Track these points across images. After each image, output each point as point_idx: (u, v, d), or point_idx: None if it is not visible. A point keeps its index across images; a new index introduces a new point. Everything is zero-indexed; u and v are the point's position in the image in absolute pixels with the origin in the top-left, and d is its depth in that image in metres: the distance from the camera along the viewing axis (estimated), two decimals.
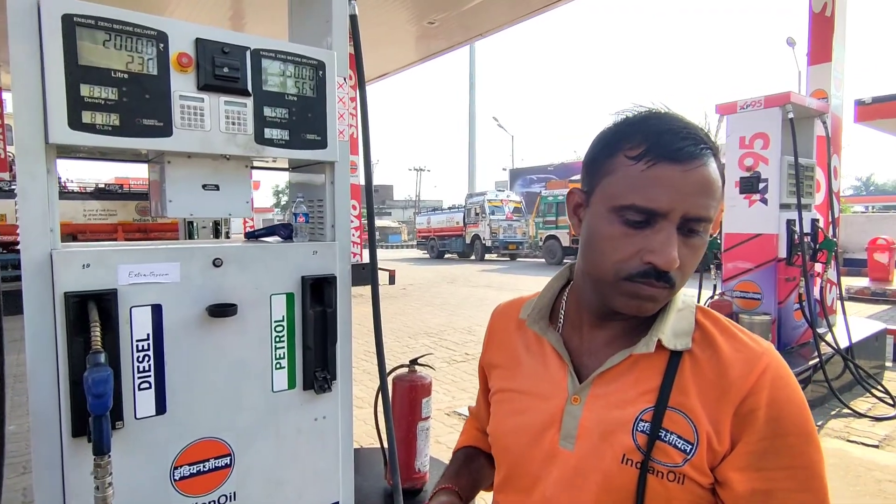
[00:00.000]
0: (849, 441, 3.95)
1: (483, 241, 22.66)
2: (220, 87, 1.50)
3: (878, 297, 10.50)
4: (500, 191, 25.67)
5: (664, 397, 0.67)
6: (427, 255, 26.95)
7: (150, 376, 1.49)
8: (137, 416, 1.48)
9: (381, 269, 14.61)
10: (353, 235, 12.07)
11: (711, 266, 5.57)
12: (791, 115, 4.65)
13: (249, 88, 1.56)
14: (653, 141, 0.65)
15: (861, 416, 4.41)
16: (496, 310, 0.95)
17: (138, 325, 1.46)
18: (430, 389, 2.39)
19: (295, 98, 1.66)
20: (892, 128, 11.67)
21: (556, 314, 0.82)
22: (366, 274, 1.98)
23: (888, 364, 5.81)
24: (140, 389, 1.48)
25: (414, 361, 2.43)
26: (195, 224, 4.18)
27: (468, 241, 23.71)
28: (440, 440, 3.91)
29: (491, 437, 0.83)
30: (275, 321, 1.72)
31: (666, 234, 0.65)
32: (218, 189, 1.66)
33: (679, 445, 0.65)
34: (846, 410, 4.49)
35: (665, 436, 0.66)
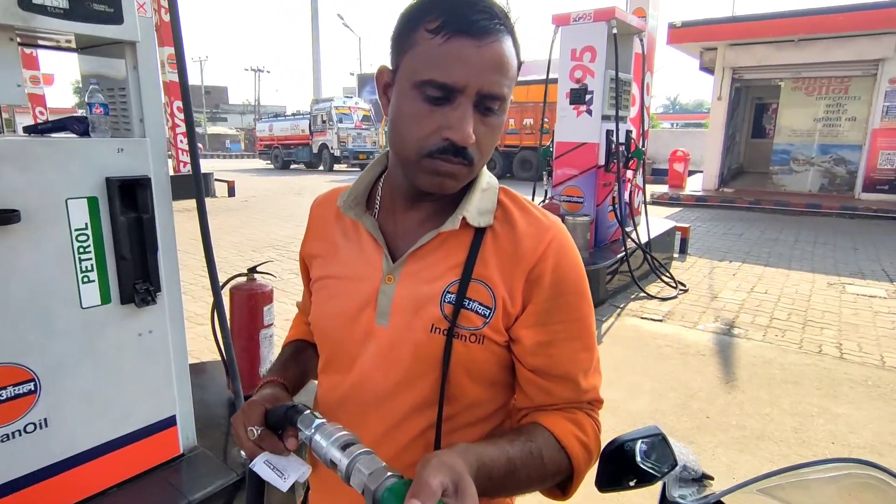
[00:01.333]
0: (642, 318, 4.78)
1: (331, 151, 21.78)
2: None
3: (674, 200, 12.42)
4: (347, 97, 24.48)
5: (468, 271, 0.73)
6: (271, 166, 25.29)
7: None
8: None
9: (218, 179, 13.45)
10: (181, 142, 10.77)
11: (544, 173, 6.06)
12: (615, 31, 5.02)
13: None
14: (450, 14, 0.65)
15: (652, 297, 5.33)
16: (315, 201, 0.93)
17: None
18: (271, 297, 2.34)
19: None
20: (695, 51, 13.29)
21: (373, 200, 0.83)
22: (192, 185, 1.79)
23: (675, 255, 7.02)
24: None
25: (252, 270, 2.33)
26: None
27: (315, 150, 22.61)
28: None
29: (312, 324, 0.85)
30: (76, 229, 1.50)
31: (462, 111, 0.66)
32: None
33: (480, 311, 0.72)
34: (642, 294, 5.39)
35: (468, 304, 0.72)
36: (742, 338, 4.31)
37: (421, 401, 0.74)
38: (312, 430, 0.64)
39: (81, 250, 1.52)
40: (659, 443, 0.71)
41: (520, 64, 0.71)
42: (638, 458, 0.69)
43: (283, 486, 0.68)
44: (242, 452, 0.72)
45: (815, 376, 3.61)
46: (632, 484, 0.72)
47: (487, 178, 0.79)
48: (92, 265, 1.55)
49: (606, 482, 0.72)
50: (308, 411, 0.68)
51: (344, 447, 0.60)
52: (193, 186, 1.85)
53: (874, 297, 5.34)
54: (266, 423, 0.72)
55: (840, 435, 2.91)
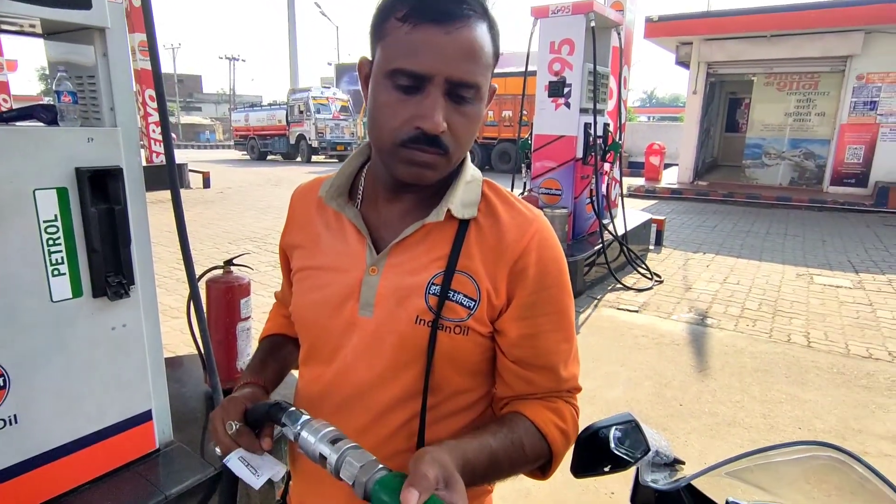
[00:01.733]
0: (618, 309, 4.85)
1: (309, 142, 21.51)
2: None
3: (650, 193, 12.60)
4: (325, 87, 24.17)
5: (453, 263, 0.73)
6: (247, 157, 24.88)
7: None
8: None
9: (193, 170, 13.18)
10: (154, 132, 10.52)
11: (523, 165, 6.09)
12: (593, 24, 5.04)
13: None
14: (417, 1, 0.65)
15: (628, 288, 5.42)
16: (296, 191, 0.92)
17: None
18: (248, 290, 2.31)
19: None
20: (671, 46, 13.45)
21: (356, 191, 0.83)
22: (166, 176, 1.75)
23: (651, 247, 7.13)
24: None
25: (229, 262, 2.29)
26: None
27: (293, 141, 22.29)
28: None
29: (293, 315, 0.84)
30: (45, 221, 1.46)
31: (432, 99, 0.65)
32: None
33: (464, 303, 0.73)
34: (619, 286, 5.47)
35: (453, 296, 0.73)
36: (715, 327, 4.41)
37: (404, 392, 0.74)
38: (299, 427, 0.64)
39: (51, 242, 1.48)
40: (632, 429, 0.72)
41: (498, 50, 0.71)
42: (612, 445, 0.71)
43: (256, 483, 0.69)
44: (217, 449, 0.72)
45: (783, 364, 3.72)
46: (606, 469, 0.74)
47: (471, 171, 0.80)
48: (62, 258, 1.51)
49: (582, 468, 0.73)
50: (293, 408, 0.68)
51: (332, 442, 0.61)
52: (168, 177, 1.82)
53: (840, 288, 5.52)
54: (245, 421, 0.72)
55: (806, 420, 3.01)
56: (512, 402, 0.79)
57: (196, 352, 2.46)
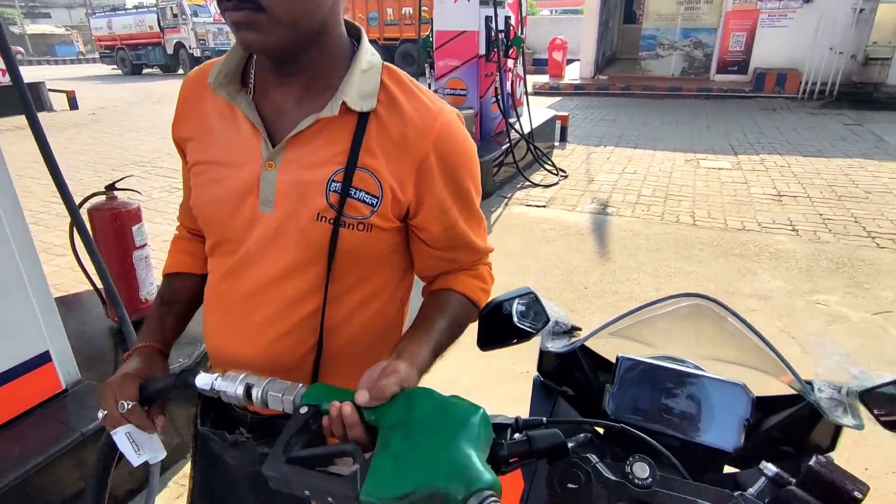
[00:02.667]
0: (527, 206, 5.04)
1: (190, 51, 19.29)
2: None
3: (554, 90, 12.73)
4: None
5: (353, 160, 0.71)
6: (118, 71, 22.01)
7: None
8: None
9: (53, 90, 11.51)
10: None
11: (426, 66, 5.87)
12: None
13: None
14: None
15: (536, 185, 5.62)
16: (186, 77, 0.84)
17: None
18: (139, 215, 2.13)
19: None
20: None
21: (248, 77, 0.76)
22: (17, 98, 1.50)
23: (556, 144, 7.33)
24: None
25: (110, 187, 2.09)
26: None
27: (170, 50, 19.88)
28: None
29: (193, 209, 0.81)
30: None
31: None
32: None
33: (367, 200, 0.72)
34: (527, 183, 5.64)
35: (355, 193, 0.72)
36: (614, 215, 4.74)
37: (308, 286, 0.75)
38: (214, 380, 0.67)
39: None
40: (532, 302, 0.78)
41: None
42: (515, 319, 0.76)
43: (136, 461, 0.71)
44: (100, 414, 0.72)
45: (673, 243, 4.11)
46: (514, 342, 0.80)
47: (368, 58, 0.75)
48: None
49: (488, 342, 0.79)
50: (199, 371, 0.70)
51: (251, 382, 0.65)
52: (19, 95, 1.57)
53: (722, 170, 6.04)
54: (140, 397, 0.72)
55: (690, 289, 3.39)
56: (439, 279, 0.85)
57: (91, 288, 2.30)
